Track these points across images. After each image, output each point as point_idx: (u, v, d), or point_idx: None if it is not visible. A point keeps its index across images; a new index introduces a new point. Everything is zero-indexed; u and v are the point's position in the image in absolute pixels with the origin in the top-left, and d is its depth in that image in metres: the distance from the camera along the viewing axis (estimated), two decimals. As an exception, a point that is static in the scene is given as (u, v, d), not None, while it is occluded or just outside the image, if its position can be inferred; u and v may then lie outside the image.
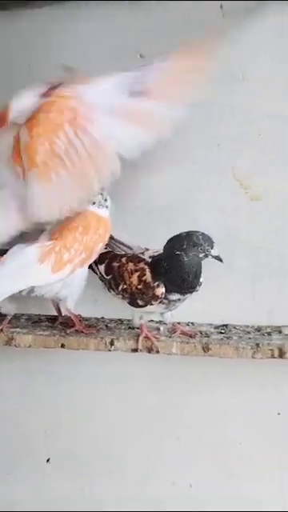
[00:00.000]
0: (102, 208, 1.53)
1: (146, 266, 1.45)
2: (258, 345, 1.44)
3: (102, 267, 1.54)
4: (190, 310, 1.58)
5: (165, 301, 1.43)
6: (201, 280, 1.45)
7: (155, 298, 1.43)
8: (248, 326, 1.60)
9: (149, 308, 1.47)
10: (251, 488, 1.71)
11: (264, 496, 1.70)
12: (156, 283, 1.42)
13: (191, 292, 1.44)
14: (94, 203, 1.53)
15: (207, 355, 1.46)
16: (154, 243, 1.52)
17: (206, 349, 1.46)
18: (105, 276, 1.54)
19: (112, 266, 1.52)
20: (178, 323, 1.57)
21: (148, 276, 1.44)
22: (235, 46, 1.63)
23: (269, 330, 1.57)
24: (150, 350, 1.48)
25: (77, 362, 1.75)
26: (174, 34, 1.66)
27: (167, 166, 1.70)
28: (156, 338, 1.50)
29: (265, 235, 1.64)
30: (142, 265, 1.46)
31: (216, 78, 1.61)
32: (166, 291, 1.42)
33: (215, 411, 1.70)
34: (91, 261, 1.52)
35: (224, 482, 1.72)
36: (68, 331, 1.55)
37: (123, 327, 1.61)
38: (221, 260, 1.42)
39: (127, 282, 1.46)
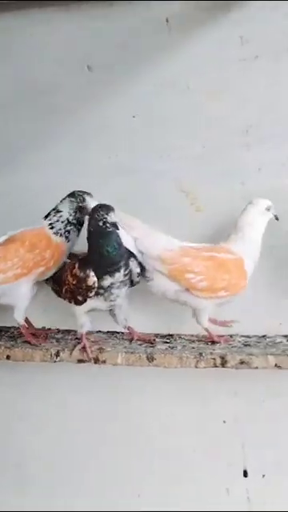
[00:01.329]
0: (59, 236, 1.55)
1: (76, 261, 1.49)
2: (201, 354, 1.46)
3: (51, 282, 1.60)
4: (137, 320, 1.60)
5: (100, 291, 1.45)
6: (137, 270, 1.47)
7: (89, 288, 1.45)
8: (193, 335, 1.62)
9: (90, 303, 1.48)
10: (200, 495, 1.73)
11: (213, 502, 1.72)
12: (85, 273, 1.45)
13: (118, 269, 1.45)
14: (52, 227, 1.55)
15: (152, 365, 1.47)
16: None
17: (150, 359, 1.47)
18: (54, 287, 1.59)
19: (57, 276, 1.57)
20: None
21: (77, 269, 1.47)
22: (181, 59, 1.66)
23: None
24: (96, 361, 1.48)
25: (23, 373, 1.73)
26: (121, 47, 1.68)
27: (114, 176, 1.71)
28: (92, 348, 1.51)
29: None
30: (73, 261, 1.50)
31: (161, 89, 1.65)
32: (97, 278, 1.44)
33: (162, 420, 1.72)
34: (28, 280, 1.53)
35: (173, 490, 1.73)
36: (19, 341, 1.56)
37: (70, 337, 1.61)
38: (117, 228, 1.43)
39: (66, 282, 1.49)
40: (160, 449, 1.73)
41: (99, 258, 1.44)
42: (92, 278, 1.44)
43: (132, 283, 1.49)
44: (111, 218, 1.42)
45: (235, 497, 1.72)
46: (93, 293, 1.45)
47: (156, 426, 1.73)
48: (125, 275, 1.46)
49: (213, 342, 1.53)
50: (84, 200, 1.55)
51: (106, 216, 1.42)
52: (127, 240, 1.50)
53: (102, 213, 1.43)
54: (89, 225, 1.46)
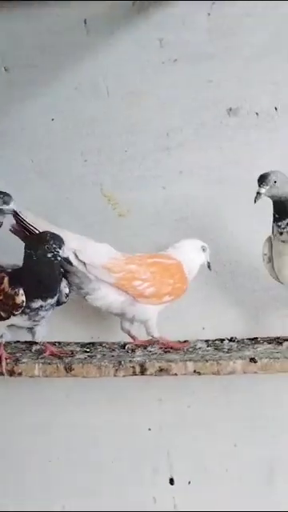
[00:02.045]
0: None
1: (5, 275, 1.41)
2: (120, 362, 1.43)
3: None
4: (57, 328, 1.55)
5: (27, 310, 1.39)
6: (66, 291, 1.43)
7: (16, 306, 1.38)
8: (114, 343, 1.59)
9: (12, 320, 1.41)
10: (126, 505, 1.69)
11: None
12: (14, 290, 1.38)
13: (52, 296, 1.40)
14: None
15: (70, 375, 1.43)
16: (19, 258, 1.46)
17: (68, 369, 1.43)
18: None
19: None
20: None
21: (6, 284, 1.39)
22: (100, 62, 1.63)
23: (134, 346, 1.56)
24: (11, 374, 1.43)
25: None
26: (40, 48, 1.63)
27: (33, 179, 1.66)
28: (8, 360, 1.45)
29: (133, 252, 1.62)
30: (2, 278, 1.41)
31: (80, 91, 1.62)
32: (26, 299, 1.37)
33: (86, 431, 1.69)
34: None
35: (99, 501, 1.69)
36: None
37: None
38: (71, 263, 1.40)
39: None
40: (84, 460, 1.69)
41: (36, 283, 1.37)
42: (21, 297, 1.37)
43: (58, 303, 1.44)
44: (63, 252, 1.35)
45: (162, 505, 1.69)
46: (19, 311, 1.38)
47: (79, 437, 1.69)
48: (56, 299, 1.41)
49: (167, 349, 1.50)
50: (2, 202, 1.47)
51: (58, 250, 1.35)
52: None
53: (54, 245, 1.34)
54: (32, 249, 1.36)
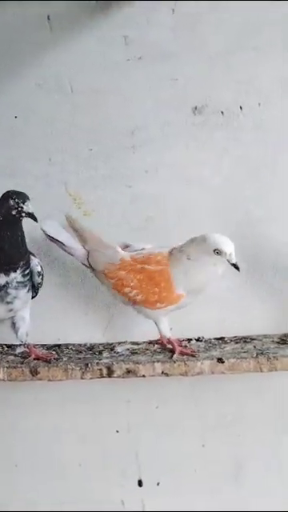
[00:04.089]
0: None
1: None
2: (87, 365, 1.41)
3: None
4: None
5: None
6: (38, 269, 1.40)
7: None
8: (81, 345, 1.56)
9: None
10: (94, 508, 1.67)
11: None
12: None
13: (14, 269, 1.35)
14: None
15: (36, 379, 1.40)
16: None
17: (34, 373, 1.40)
18: None
19: None
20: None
21: None
22: (64, 59, 1.60)
23: (101, 347, 1.54)
24: None
25: None
26: (2, 45, 1.60)
27: (2, 178, 1.62)
28: None
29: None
30: None
31: (44, 89, 1.58)
32: None
33: (52, 434, 1.66)
34: None
35: (64, 506, 1.67)
36: None
37: None
38: (35, 219, 1.35)
39: None
40: (51, 463, 1.66)
41: None
42: None
43: (34, 287, 1.41)
44: (28, 207, 1.32)
45: (130, 507, 1.68)
46: None
47: (46, 440, 1.66)
48: (23, 275, 1.37)
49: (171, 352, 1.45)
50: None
51: (22, 206, 1.32)
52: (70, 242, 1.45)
53: (17, 201, 1.31)
54: None
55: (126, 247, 1.50)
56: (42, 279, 1.42)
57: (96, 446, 1.67)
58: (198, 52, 1.57)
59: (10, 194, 1.34)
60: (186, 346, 1.49)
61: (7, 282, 1.36)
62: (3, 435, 1.66)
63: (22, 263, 1.36)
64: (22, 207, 1.32)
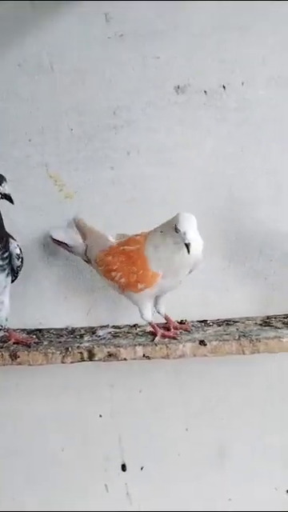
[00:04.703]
0: None
1: None
2: (67, 349, 1.38)
3: None
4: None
5: None
6: (17, 251, 1.39)
7: None
8: (62, 329, 1.54)
9: None
10: (78, 494, 1.66)
11: (92, 500, 1.66)
12: None
13: None
14: None
15: (15, 363, 1.38)
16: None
17: (13, 357, 1.38)
18: None
19: None
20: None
21: None
22: (44, 38, 1.56)
23: (83, 331, 1.52)
24: None
25: None
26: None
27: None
28: None
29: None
30: None
31: (24, 68, 1.55)
32: None
33: (33, 419, 1.64)
34: None
35: (49, 491, 1.66)
36: None
37: None
38: (11, 201, 1.35)
39: None
40: (33, 449, 1.65)
41: None
42: None
43: (13, 270, 1.39)
44: (4, 188, 1.32)
45: (114, 493, 1.67)
46: None
47: (28, 425, 1.64)
48: (2, 259, 1.36)
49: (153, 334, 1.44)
50: None
51: None
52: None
53: None
54: None
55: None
56: (22, 262, 1.40)
57: (79, 431, 1.65)
58: (181, 30, 1.54)
59: None
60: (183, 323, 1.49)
61: None
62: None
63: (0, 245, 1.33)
64: None
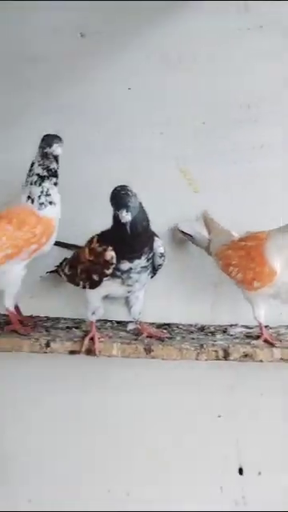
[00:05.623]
0: (44, 207, 1.39)
1: (95, 236, 1.37)
2: (202, 346, 1.36)
3: (65, 268, 1.45)
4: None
5: (117, 272, 1.32)
6: (161, 250, 1.36)
7: (106, 264, 1.31)
8: (191, 325, 1.51)
9: (106, 285, 1.35)
10: (194, 493, 1.64)
11: (206, 501, 1.63)
12: (103, 247, 1.32)
13: (138, 257, 1.32)
14: (29, 198, 1.39)
15: (149, 357, 1.36)
16: (92, 231, 1.40)
17: (148, 350, 1.36)
18: (68, 272, 1.44)
19: (72, 258, 1.44)
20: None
21: (95, 243, 1.35)
22: (180, 28, 1.54)
23: (212, 328, 1.49)
24: (89, 352, 1.37)
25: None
26: (117, 14, 1.55)
27: (104, 152, 1.58)
28: (102, 339, 1.39)
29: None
30: (92, 238, 1.38)
31: (161, 61, 1.53)
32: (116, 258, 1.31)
33: (155, 414, 1.62)
34: (20, 260, 1.38)
35: (165, 489, 1.64)
36: (6, 328, 1.42)
37: (60, 326, 1.49)
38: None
39: (82, 260, 1.37)
40: (151, 446, 1.63)
41: (121, 239, 1.30)
42: (110, 253, 1.31)
43: (154, 269, 1.37)
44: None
45: (230, 495, 1.63)
46: (110, 270, 1.31)
47: (148, 420, 1.63)
48: (147, 259, 1.34)
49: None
50: (49, 145, 1.37)
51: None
52: None
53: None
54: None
55: None
56: (164, 260, 1.37)
57: (196, 429, 1.62)
58: None
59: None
60: None
61: (130, 268, 1.33)
62: (110, 413, 1.63)
63: (146, 249, 1.33)
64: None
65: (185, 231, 1.53)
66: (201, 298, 1.59)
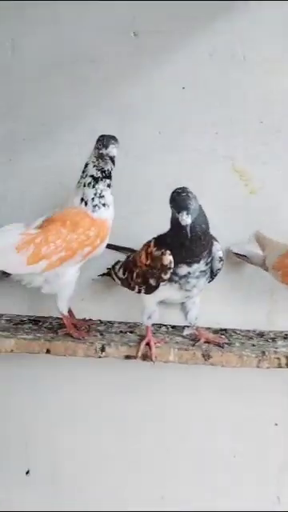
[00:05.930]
0: (98, 209, 1.36)
1: (152, 240, 1.34)
2: (263, 353, 1.31)
3: (119, 271, 1.42)
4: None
5: (175, 277, 1.29)
6: (219, 254, 1.32)
7: (164, 268, 1.28)
8: (249, 331, 1.47)
9: (163, 290, 1.31)
10: (247, 501, 1.59)
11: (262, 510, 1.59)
12: (161, 251, 1.29)
13: (197, 261, 1.28)
14: (82, 200, 1.37)
15: (207, 363, 1.32)
16: (149, 231, 1.37)
17: (206, 357, 1.32)
18: (122, 276, 1.41)
19: (127, 262, 1.41)
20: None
21: (153, 248, 1.31)
22: (237, 25, 1.50)
23: (272, 334, 1.44)
24: (145, 358, 1.33)
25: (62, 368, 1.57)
26: (170, 13, 1.52)
27: (160, 152, 1.55)
28: (158, 344, 1.36)
29: (262, 231, 1.50)
30: (149, 242, 1.34)
31: (214, 58, 1.49)
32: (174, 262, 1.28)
33: (206, 421, 1.59)
34: (74, 263, 1.36)
35: (216, 497, 1.60)
36: (59, 332, 1.41)
37: (114, 330, 1.46)
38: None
39: (138, 264, 1.34)
40: (204, 452, 1.59)
41: (179, 243, 1.26)
42: (168, 257, 1.27)
43: (212, 273, 1.33)
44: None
45: (286, 505, 1.58)
46: (168, 275, 1.28)
47: (198, 426, 1.59)
48: (206, 264, 1.30)
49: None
50: (105, 146, 1.34)
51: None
52: None
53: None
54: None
55: None
56: (223, 265, 1.33)
57: (253, 437, 1.57)
58: None
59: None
60: None
61: (189, 273, 1.29)
62: (159, 419, 1.60)
63: (205, 253, 1.29)
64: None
65: (238, 253, 1.49)
66: (257, 304, 1.54)
